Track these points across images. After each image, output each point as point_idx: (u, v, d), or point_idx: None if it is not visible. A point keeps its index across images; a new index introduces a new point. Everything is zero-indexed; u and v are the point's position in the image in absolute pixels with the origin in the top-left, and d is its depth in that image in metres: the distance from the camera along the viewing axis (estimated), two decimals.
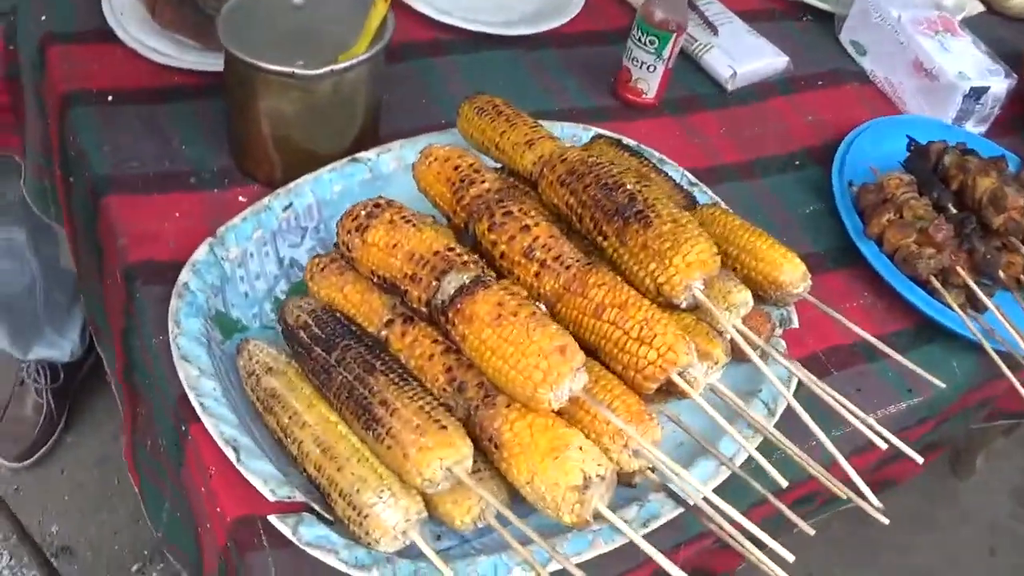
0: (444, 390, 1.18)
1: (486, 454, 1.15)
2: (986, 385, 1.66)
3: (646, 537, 1.16)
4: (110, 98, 1.66)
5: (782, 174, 1.87)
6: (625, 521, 1.17)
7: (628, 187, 1.28)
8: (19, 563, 2.55)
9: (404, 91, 1.81)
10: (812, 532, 1.20)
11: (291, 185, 1.47)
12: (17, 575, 2.54)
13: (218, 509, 1.20)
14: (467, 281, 1.15)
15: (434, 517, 1.16)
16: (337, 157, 1.53)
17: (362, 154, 1.53)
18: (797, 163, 1.90)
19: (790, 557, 1.06)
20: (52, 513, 2.70)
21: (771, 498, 1.20)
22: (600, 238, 1.29)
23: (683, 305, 1.24)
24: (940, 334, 1.63)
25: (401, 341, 1.23)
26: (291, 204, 1.45)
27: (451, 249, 1.20)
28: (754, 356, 1.23)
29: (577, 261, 1.23)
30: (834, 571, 2.93)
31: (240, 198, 1.55)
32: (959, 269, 1.61)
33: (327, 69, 1.41)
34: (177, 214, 1.50)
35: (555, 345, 1.07)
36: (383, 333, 1.25)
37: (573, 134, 1.68)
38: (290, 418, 1.19)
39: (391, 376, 1.14)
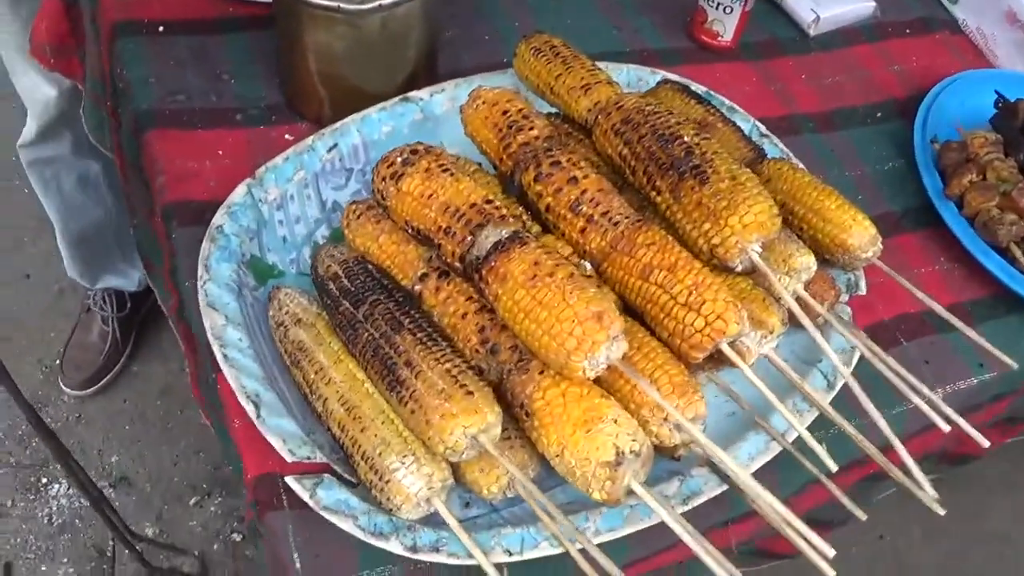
0: (476, 351, 1.12)
1: (518, 421, 1.09)
2: None
3: (688, 514, 1.10)
4: (161, 28, 1.60)
5: (862, 126, 1.77)
6: (665, 497, 1.12)
7: (686, 139, 1.20)
8: (77, 492, 2.55)
9: (467, 26, 1.73)
10: (864, 517, 1.13)
11: (337, 125, 1.40)
12: (75, 503, 2.56)
13: (242, 464, 1.16)
14: (504, 237, 1.08)
15: (462, 484, 1.11)
16: (388, 96, 1.45)
17: (414, 93, 1.46)
18: (879, 115, 1.79)
19: (830, 552, 0.98)
20: (113, 442, 2.71)
21: (823, 479, 1.13)
22: (653, 193, 1.21)
23: (738, 269, 1.16)
24: (1019, 305, 1.52)
25: (435, 297, 1.17)
26: (336, 145, 1.39)
27: (489, 202, 1.12)
28: (811, 328, 1.14)
29: (626, 218, 1.15)
30: (907, 534, 2.86)
31: (287, 136, 1.49)
32: None
33: (374, 4, 1.34)
34: (220, 151, 1.44)
35: (592, 311, 1.00)
36: (416, 288, 1.18)
37: (639, 77, 1.59)
38: (316, 373, 1.13)
39: (419, 335, 1.08)
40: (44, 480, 2.60)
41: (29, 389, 2.74)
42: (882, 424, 1.12)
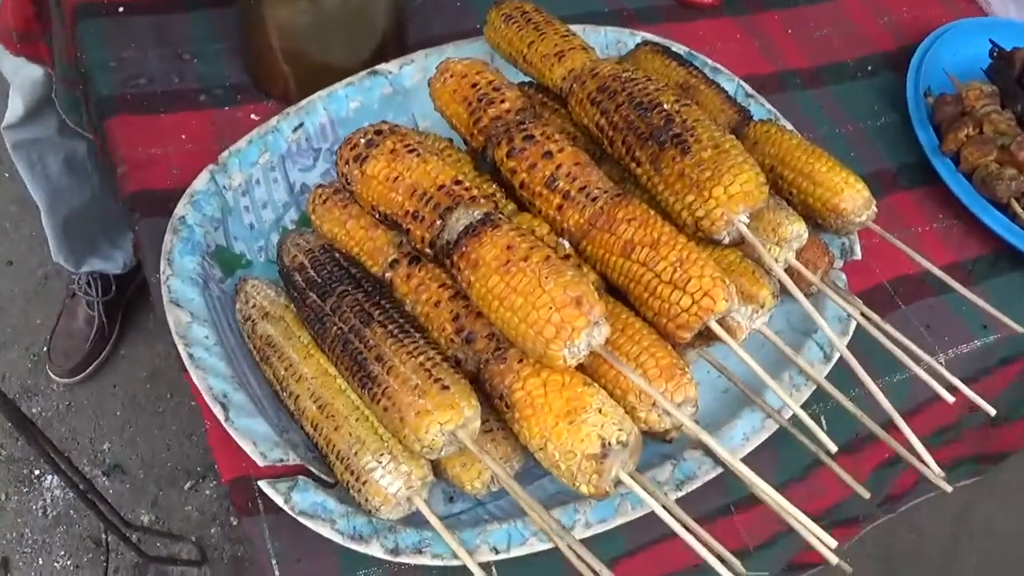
0: (451, 341, 1.06)
1: (498, 412, 1.03)
2: None
3: (685, 498, 1.05)
4: (121, 9, 1.54)
5: (852, 81, 1.70)
6: (658, 483, 1.07)
7: (665, 107, 1.14)
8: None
9: None
10: (867, 495, 1.08)
11: (302, 103, 1.34)
12: (69, 494, 2.51)
13: (216, 466, 1.11)
14: (475, 220, 1.02)
15: (444, 479, 1.06)
16: (356, 70, 1.39)
17: (382, 66, 1.40)
18: (869, 68, 1.73)
19: (833, 543, 0.93)
20: (104, 429, 2.66)
21: (825, 458, 1.08)
22: (633, 164, 1.16)
23: (725, 241, 1.11)
24: (1022, 262, 1.46)
25: (406, 284, 1.11)
26: (302, 124, 1.33)
27: (458, 183, 1.06)
28: (803, 301, 1.09)
29: (605, 192, 1.10)
30: None
31: (253, 116, 1.44)
32: None
33: None
34: (183, 136, 1.39)
35: (570, 296, 0.94)
36: (387, 275, 1.13)
37: (618, 39, 1.53)
38: (286, 370, 1.08)
39: (390, 327, 1.02)
40: (37, 472, 2.56)
41: (19, 379, 2.71)
42: (880, 397, 1.07)
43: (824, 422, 1.20)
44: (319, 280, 1.09)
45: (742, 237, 1.09)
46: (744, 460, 1.07)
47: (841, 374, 1.14)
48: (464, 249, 1.00)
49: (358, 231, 1.16)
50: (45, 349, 2.73)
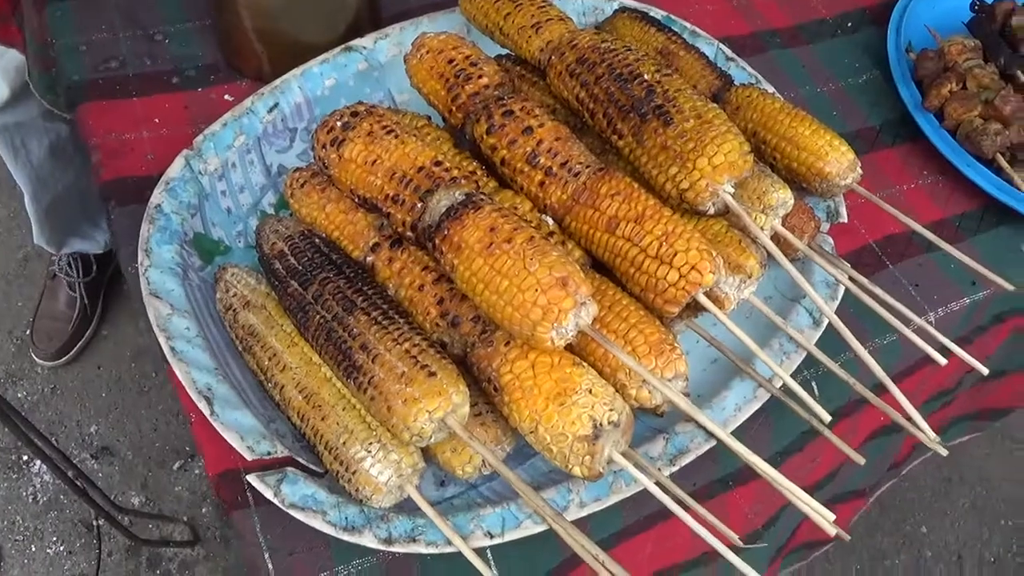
0: (437, 325, 1.05)
1: (487, 396, 1.02)
2: None
3: (677, 475, 1.04)
4: None
5: (832, 38, 1.68)
6: (651, 459, 1.05)
7: (646, 78, 1.12)
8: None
9: None
10: (862, 461, 1.07)
11: (276, 82, 1.32)
12: (57, 479, 2.49)
13: (202, 461, 1.09)
14: (456, 201, 1.00)
15: (434, 464, 1.05)
16: (331, 46, 1.37)
17: (356, 42, 1.38)
18: (850, 24, 1.71)
19: (831, 516, 0.93)
20: (90, 412, 2.64)
21: (818, 426, 1.06)
22: (615, 137, 1.14)
23: (710, 211, 1.09)
24: (1009, 216, 1.44)
25: (388, 268, 1.09)
26: (276, 104, 1.31)
27: (438, 163, 1.04)
28: (791, 270, 1.07)
29: (588, 167, 1.08)
30: None
31: (227, 97, 1.41)
32: None
33: None
34: (157, 119, 1.37)
35: (555, 277, 0.92)
36: (368, 259, 1.11)
37: (595, 6, 1.51)
38: (270, 359, 1.06)
39: (374, 314, 1.00)
40: (25, 457, 2.54)
41: (3, 364, 2.69)
42: (871, 363, 1.06)
43: (816, 388, 1.19)
44: (299, 267, 1.07)
45: (727, 207, 1.08)
46: (739, 430, 1.07)
47: (832, 337, 1.12)
48: (446, 232, 0.98)
49: (337, 215, 1.14)
50: (28, 332, 2.70)
